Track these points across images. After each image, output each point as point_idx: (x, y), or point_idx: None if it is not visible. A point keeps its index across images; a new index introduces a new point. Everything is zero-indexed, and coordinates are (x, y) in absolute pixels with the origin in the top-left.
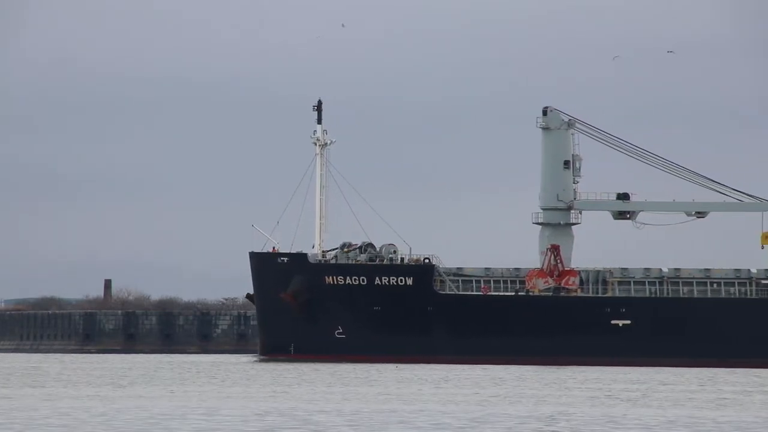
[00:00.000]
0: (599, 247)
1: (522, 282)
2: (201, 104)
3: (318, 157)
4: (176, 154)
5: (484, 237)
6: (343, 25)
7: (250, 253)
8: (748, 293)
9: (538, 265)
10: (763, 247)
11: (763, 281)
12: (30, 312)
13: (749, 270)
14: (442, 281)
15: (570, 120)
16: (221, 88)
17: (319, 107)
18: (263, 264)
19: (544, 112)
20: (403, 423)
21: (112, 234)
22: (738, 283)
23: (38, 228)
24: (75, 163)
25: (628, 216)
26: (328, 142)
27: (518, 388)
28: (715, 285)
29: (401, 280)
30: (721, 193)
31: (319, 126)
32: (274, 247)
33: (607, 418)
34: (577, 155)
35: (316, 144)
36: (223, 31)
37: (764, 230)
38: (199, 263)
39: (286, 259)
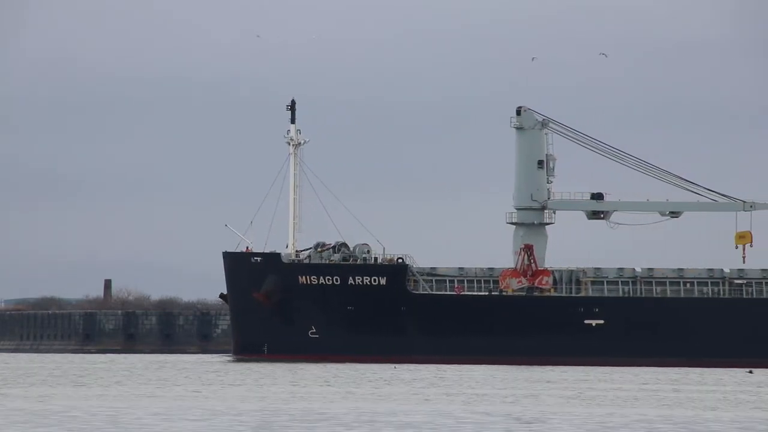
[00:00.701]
0: (573, 247)
1: (496, 282)
2: (194, 103)
3: (291, 157)
4: (173, 153)
5: (459, 237)
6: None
7: (223, 252)
8: (721, 293)
9: (513, 265)
10: (737, 247)
11: (736, 281)
12: (30, 312)
13: (722, 270)
14: (415, 281)
15: (544, 120)
16: (221, 87)
17: (292, 107)
18: (236, 264)
19: (518, 112)
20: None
21: (112, 234)
22: (711, 283)
23: (38, 228)
24: (75, 163)
25: (602, 216)
26: (302, 141)
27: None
28: (688, 285)
29: (375, 280)
30: (695, 193)
31: (292, 126)
32: (247, 247)
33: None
34: (551, 155)
35: (289, 144)
36: (213, 32)
37: (738, 230)
38: (199, 263)
39: (259, 258)
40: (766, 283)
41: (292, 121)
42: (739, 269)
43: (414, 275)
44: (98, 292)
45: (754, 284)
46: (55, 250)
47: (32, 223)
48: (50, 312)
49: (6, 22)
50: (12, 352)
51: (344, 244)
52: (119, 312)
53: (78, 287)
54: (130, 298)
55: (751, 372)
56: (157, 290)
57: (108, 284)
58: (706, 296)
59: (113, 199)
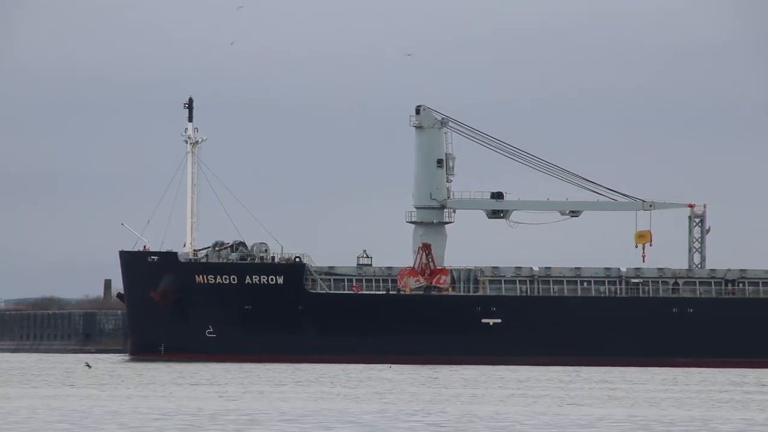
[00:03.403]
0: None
1: (394, 281)
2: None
3: (189, 155)
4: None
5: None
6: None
7: (120, 252)
8: (618, 292)
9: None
10: (636, 246)
11: (633, 280)
12: (30, 312)
13: (619, 269)
14: (313, 280)
15: (443, 119)
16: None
17: (190, 105)
18: (133, 263)
19: (417, 111)
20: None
21: (112, 234)
22: (608, 281)
23: (38, 228)
24: (75, 162)
25: (501, 215)
26: (200, 140)
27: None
28: (585, 284)
29: (272, 279)
30: (595, 192)
31: (190, 124)
32: (144, 246)
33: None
34: (450, 154)
35: (187, 142)
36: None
37: (638, 230)
38: None
39: (156, 258)
40: (662, 281)
41: (190, 119)
42: (635, 268)
43: (312, 274)
44: (98, 292)
45: (650, 283)
46: (54, 250)
47: (32, 223)
48: (50, 312)
49: None
50: (12, 352)
51: (242, 243)
52: (119, 312)
53: (78, 287)
54: None
55: None
56: None
57: (108, 284)
58: (602, 295)
59: (114, 199)
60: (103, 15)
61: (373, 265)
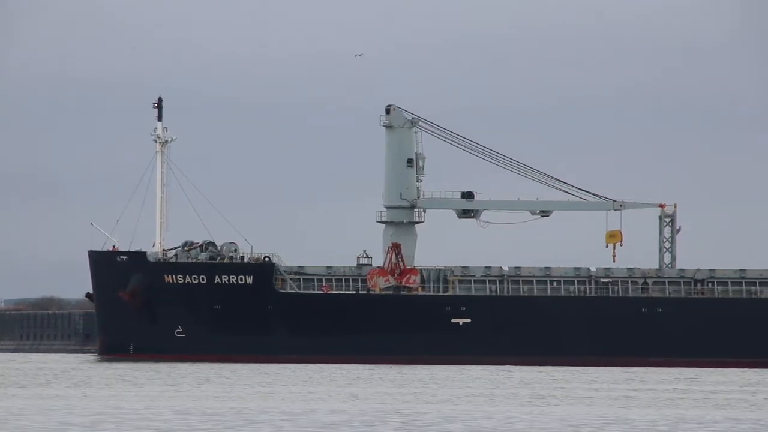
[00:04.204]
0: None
1: (364, 281)
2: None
3: (158, 155)
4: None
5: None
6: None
7: (88, 251)
8: (588, 292)
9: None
10: (607, 246)
11: (603, 280)
12: (30, 312)
13: (589, 269)
14: (283, 280)
15: (413, 118)
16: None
17: (159, 104)
18: (102, 262)
19: (387, 111)
20: None
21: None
22: (577, 281)
23: (38, 228)
24: (75, 162)
25: (472, 215)
26: (169, 139)
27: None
28: (555, 284)
29: (241, 279)
30: (565, 192)
31: (159, 123)
32: (114, 246)
33: None
34: (420, 154)
35: (156, 141)
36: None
37: (608, 229)
38: None
39: (125, 257)
40: (631, 281)
41: (159, 118)
42: (605, 268)
43: (281, 274)
44: None
45: (620, 283)
46: (55, 250)
47: (32, 223)
48: (50, 312)
49: None
50: (12, 352)
51: (212, 243)
52: None
53: (78, 287)
54: None
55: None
56: None
57: None
58: (572, 295)
59: (114, 198)
60: (103, 15)
61: (373, 264)
